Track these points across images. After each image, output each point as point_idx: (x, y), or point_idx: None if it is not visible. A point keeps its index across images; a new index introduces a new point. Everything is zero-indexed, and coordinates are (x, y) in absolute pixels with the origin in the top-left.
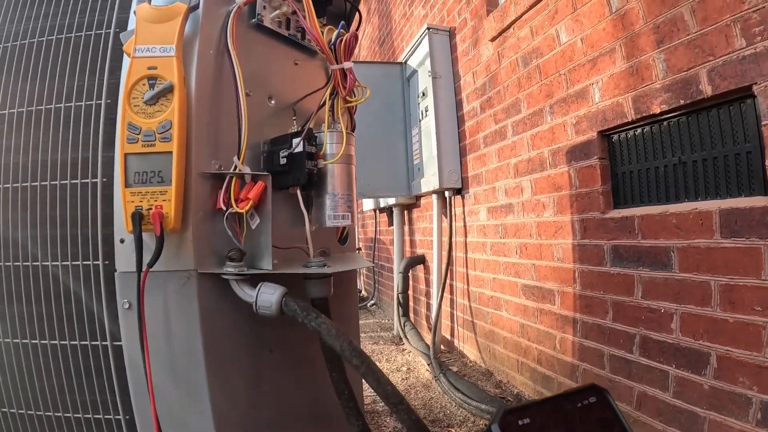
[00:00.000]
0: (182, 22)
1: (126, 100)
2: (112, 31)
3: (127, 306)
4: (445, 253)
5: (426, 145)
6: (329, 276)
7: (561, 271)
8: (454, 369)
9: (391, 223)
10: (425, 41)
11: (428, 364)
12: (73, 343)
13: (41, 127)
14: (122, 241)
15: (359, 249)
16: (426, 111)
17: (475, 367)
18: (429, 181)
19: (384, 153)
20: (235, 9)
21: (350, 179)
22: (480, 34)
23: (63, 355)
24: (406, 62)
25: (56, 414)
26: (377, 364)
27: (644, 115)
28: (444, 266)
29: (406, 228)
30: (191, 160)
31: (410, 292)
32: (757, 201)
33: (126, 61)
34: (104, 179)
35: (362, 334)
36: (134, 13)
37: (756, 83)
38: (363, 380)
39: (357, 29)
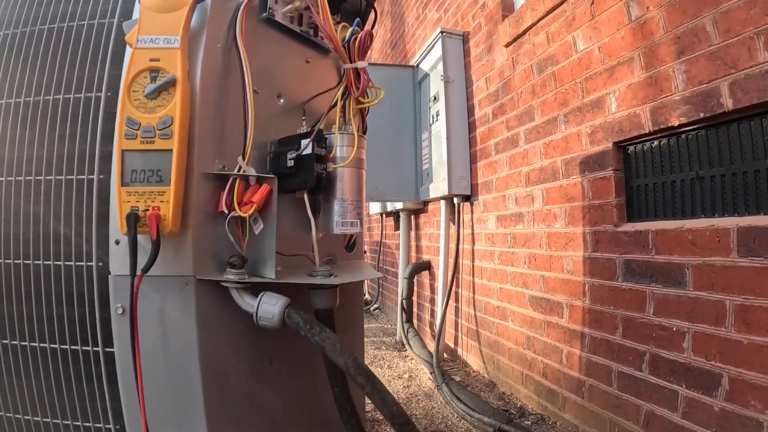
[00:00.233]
0: (188, 13)
1: (126, 92)
2: (115, 20)
3: (120, 311)
4: (451, 260)
5: (436, 150)
6: (335, 287)
7: (570, 283)
8: (457, 378)
9: (397, 228)
10: (438, 45)
11: (431, 373)
12: (63, 347)
13: (38, 119)
14: (117, 242)
15: (364, 251)
16: (437, 115)
17: (478, 378)
18: (438, 187)
19: (393, 156)
20: (246, 1)
21: (360, 184)
22: (494, 39)
23: (53, 358)
24: (418, 66)
25: (44, 419)
26: (379, 369)
27: (662, 127)
28: (450, 273)
29: (413, 233)
30: (193, 159)
31: (414, 298)
32: None
33: (129, 52)
34: (101, 176)
35: (365, 339)
36: (139, 1)
37: None
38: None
39: (372, 27)
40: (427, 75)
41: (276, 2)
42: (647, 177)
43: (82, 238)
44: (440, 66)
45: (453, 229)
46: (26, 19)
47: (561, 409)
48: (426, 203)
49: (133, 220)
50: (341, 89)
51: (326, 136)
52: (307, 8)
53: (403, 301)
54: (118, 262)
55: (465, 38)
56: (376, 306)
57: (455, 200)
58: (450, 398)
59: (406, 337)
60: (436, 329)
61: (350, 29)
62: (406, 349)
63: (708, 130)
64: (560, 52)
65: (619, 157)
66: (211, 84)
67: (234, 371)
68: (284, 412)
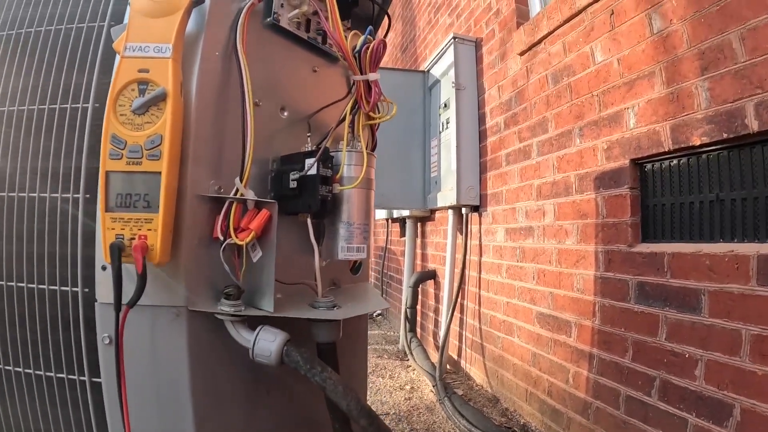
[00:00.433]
0: (183, 18)
1: (111, 107)
2: (105, 24)
3: (107, 341)
4: (458, 271)
5: (445, 158)
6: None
7: (580, 302)
8: (460, 392)
9: (403, 234)
10: (450, 51)
11: (433, 386)
12: (48, 374)
13: (21, 131)
14: (104, 268)
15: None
16: (447, 123)
17: (481, 392)
18: (446, 196)
19: (400, 163)
20: (248, 5)
21: (369, 206)
22: (508, 46)
23: (38, 384)
24: (428, 71)
25: None
26: (381, 379)
27: (682, 145)
28: (456, 285)
29: (419, 240)
30: (186, 179)
31: (418, 307)
32: None
33: (117, 60)
34: (87, 195)
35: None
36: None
37: None
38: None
39: (385, 35)
40: (437, 81)
41: (282, 6)
42: (664, 196)
43: (67, 259)
44: (452, 72)
45: (460, 240)
46: (5, 22)
47: (565, 430)
48: (433, 211)
49: (118, 251)
50: (350, 103)
51: (333, 154)
52: (315, 13)
53: (407, 310)
54: (105, 289)
55: (478, 45)
56: (378, 312)
57: (463, 210)
58: (452, 413)
59: (409, 346)
60: (440, 341)
61: (362, 37)
62: (408, 359)
63: (730, 151)
64: (577, 63)
65: (635, 175)
66: (208, 96)
67: (228, 403)
68: None
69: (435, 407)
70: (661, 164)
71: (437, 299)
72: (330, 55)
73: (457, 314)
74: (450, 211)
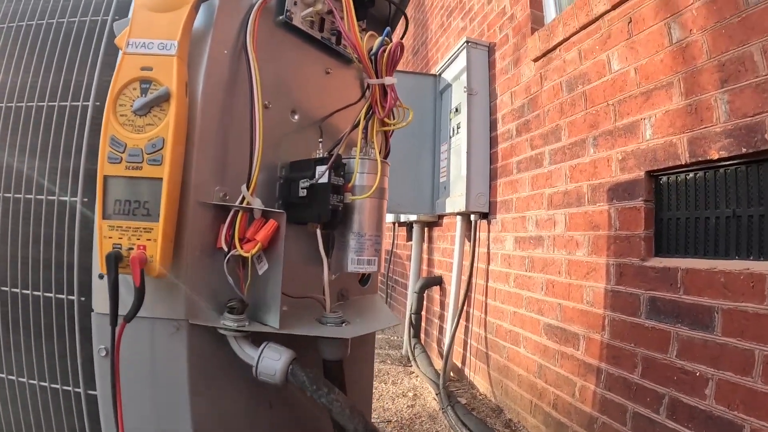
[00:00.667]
0: (190, 14)
1: (111, 106)
2: (110, 18)
3: (103, 353)
4: (464, 278)
5: (455, 164)
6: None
7: (589, 315)
8: (463, 401)
9: (409, 238)
10: (462, 55)
11: (436, 394)
12: (42, 384)
13: (18, 129)
14: (101, 276)
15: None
16: (458, 128)
17: (484, 401)
18: (455, 202)
19: (410, 167)
20: (260, 2)
21: (381, 216)
22: (522, 52)
23: (32, 394)
24: (440, 75)
25: None
26: (383, 385)
27: (699, 159)
28: (462, 292)
29: (425, 245)
30: (190, 185)
31: (423, 313)
32: None
33: (120, 56)
34: (85, 198)
35: None
36: None
37: None
38: None
39: (402, 37)
40: (449, 85)
41: (295, 4)
42: (679, 210)
43: (63, 265)
44: (464, 77)
45: (468, 247)
46: (6, 14)
47: None
48: (441, 216)
49: (114, 261)
50: (365, 108)
51: (345, 161)
52: (330, 12)
53: (412, 316)
54: (101, 299)
55: (491, 49)
56: None
57: (472, 217)
58: (455, 422)
59: (413, 352)
60: (444, 348)
61: (378, 39)
62: (411, 365)
63: (749, 166)
64: (593, 71)
65: (650, 187)
66: (215, 97)
67: (230, 418)
68: None
69: (438, 416)
70: (677, 177)
71: (443, 306)
72: (344, 56)
73: (462, 322)
74: (458, 218)
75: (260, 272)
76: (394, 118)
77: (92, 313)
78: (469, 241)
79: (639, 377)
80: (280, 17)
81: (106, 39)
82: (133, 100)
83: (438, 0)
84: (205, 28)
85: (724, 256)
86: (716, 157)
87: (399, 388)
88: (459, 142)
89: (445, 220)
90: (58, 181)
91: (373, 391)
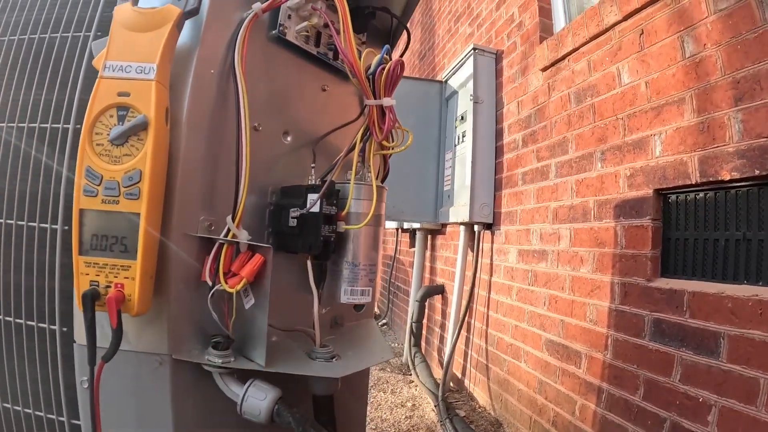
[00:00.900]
0: (171, 33)
1: (86, 135)
2: (92, 34)
3: (85, 385)
4: (467, 289)
5: (459, 173)
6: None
7: (592, 333)
8: (462, 414)
9: (412, 245)
10: (469, 62)
11: (435, 405)
12: (27, 411)
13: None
14: None
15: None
16: (463, 136)
17: (483, 414)
18: (458, 212)
19: (413, 174)
20: (250, 16)
21: (377, 244)
22: (530, 61)
23: (16, 419)
24: (446, 81)
25: None
26: (382, 394)
27: (710, 179)
28: (464, 302)
29: (428, 253)
30: (173, 215)
31: (425, 321)
32: None
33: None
34: (65, 227)
35: None
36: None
37: None
38: None
39: (402, 54)
40: (455, 92)
41: (289, 18)
42: (687, 231)
43: (44, 292)
44: (470, 84)
45: (471, 257)
46: None
47: None
48: (444, 224)
49: (91, 300)
50: (361, 130)
51: (339, 187)
52: (327, 26)
53: (413, 324)
54: (83, 331)
55: (498, 57)
56: (384, 321)
57: (476, 227)
58: None
59: (413, 361)
60: (445, 358)
61: (377, 57)
62: (411, 374)
63: (761, 188)
64: (602, 83)
65: (658, 206)
66: (201, 121)
67: None
68: None
69: (436, 428)
70: (686, 197)
71: (444, 315)
72: (342, 71)
73: (463, 333)
74: (462, 227)
75: (246, 307)
76: (392, 141)
77: (74, 345)
78: (472, 251)
79: (641, 399)
80: (273, 32)
81: (87, 57)
82: (110, 129)
83: (446, 5)
84: (191, 46)
85: (733, 281)
86: (728, 177)
87: (398, 398)
88: (464, 150)
89: (449, 228)
90: (39, 207)
91: (372, 400)
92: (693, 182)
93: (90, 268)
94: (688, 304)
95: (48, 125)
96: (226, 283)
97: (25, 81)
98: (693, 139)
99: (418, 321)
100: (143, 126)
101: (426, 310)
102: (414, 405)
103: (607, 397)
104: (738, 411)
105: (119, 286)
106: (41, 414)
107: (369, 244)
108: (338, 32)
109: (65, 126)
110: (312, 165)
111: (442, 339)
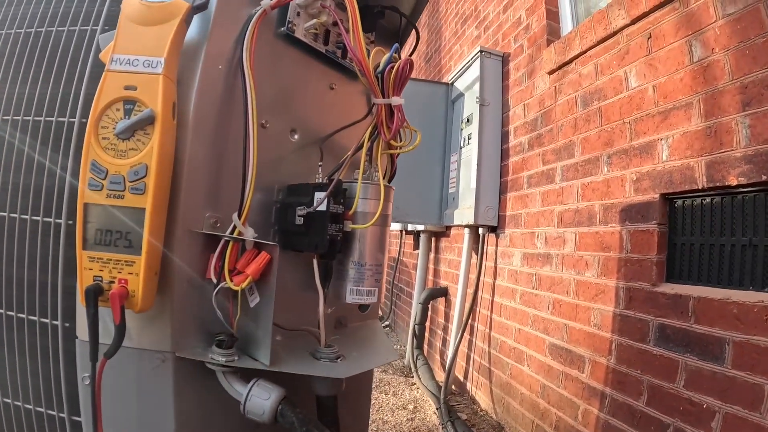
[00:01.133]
0: (179, 27)
1: (92, 129)
2: (99, 27)
3: (87, 381)
4: (470, 291)
5: (464, 175)
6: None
7: (596, 338)
8: (464, 417)
9: (416, 247)
10: (476, 64)
11: (437, 408)
12: (27, 406)
13: (4, 143)
14: None
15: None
16: (469, 139)
17: (485, 418)
18: (463, 214)
19: (418, 176)
20: (259, 12)
21: (383, 244)
22: (537, 64)
23: (16, 414)
24: (452, 83)
25: None
26: (384, 396)
27: (717, 184)
28: (468, 305)
29: (432, 255)
30: (178, 210)
31: (427, 324)
32: None
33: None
34: (69, 222)
35: None
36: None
37: None
38: None
39: (411, 53)
40: (461, 94)
41: (297, 15)
42: (693, 236)
43: (47, 287)
44: (476, 87)
45: (475, 260)
46: None
47: None
48: (448, 227)
49: (94, 296)
50: (369, 129)
51: (346, 186)
52: (335, 24)
53: (416, 326)
54: (86, 327)
55: (505, 60)
56: (387, 323)
57: (480, 230)
58: None
59: (415, 363)
60: (447, 361)
61: (386, 56)
62: (413, 376)
63: None
64: (609, 87)
65: (664, 211)
66: (208, 117)
67: None
68: None
69: (437, 431)
70: (692, 201)
71: (447, 318)
72: (350, 70)
73: (466, 335)
74: (466, 230)
75: (251, 305)
76: (400, 140)
77: (77, 340)
78: (477, 254)
79: (644, 405)
80: (282, 29)
81: (94, 51)
82: (116, 122)
83: (452, 7)
84: (199, 42)
85: (738, 286)
86: (735, 183)
87: (399, 400)
88: (469, 153)
89: (453, 231)
90: (43, 201)
91: (373, 401)
92: (700, 187)
93: (94, 263)
94: (693, 310)
95: (54, 119)
96: (232, 280)
97: (32, 74)
98: (700, 143)
99: (421, 323)
100: (150, 120)
101: (429, 313)
102: (416, 407)
103: (610, 402)
104: (742, 417)
105: (123, 281)
106: (41, 410)
107: (375, 244)
108: (347, 30)
109: (71, 120)
110: (320, 163)
111: (444, 341)
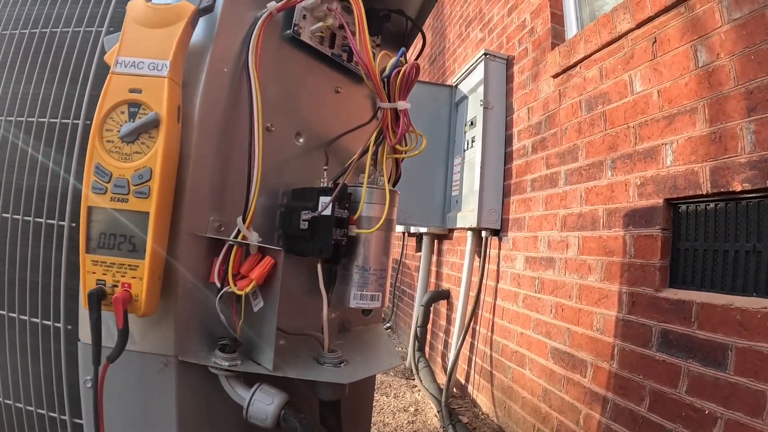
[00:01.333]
0: (185, 29)
1: (96, 131)
2: (104, 29)
3: (89, 384)
4: (473, 295)
5: (468, 178)
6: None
7: (598, 343)
8: (465, 420)
9: (419, 249)
10: (480, 67)
11: (438, 410)
12: (29, 408)
13: (8, 144)
14: None
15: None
16: (472, 141)
17: (486, 421)
18: (466, 217)
19: (422, 179)
20: (265, 15)
21: (387, 249)
22: (541, 67)
23: (18, 416)
24: (456, 86)
25: None
26: (385, 398)
27: (721, 190)
28: (470, 308)
29: (434, 258)
30: (182, 214)
31: (429, 326)
32: None
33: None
34: (73, 224)
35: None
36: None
37: None
38: None
39: (418, 57)
40: (465, 97)
41: (303, 18)
42: (697, 241)
43: (50, 290)
44: (480, 89)
45: (477, 263)
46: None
47: None
48: (451, 229)
49: (97, 300)
50: (375, 133)
51: (351, 190)
52: (342, 27)
53: (418, 329)
54: (88, 329)
55: (509, 63)
56: (388, 325)
57: (483, 233)
58: None
59: (417, 366)
60: (449, 364)
61: (392, 60)
62: (414, 378)
63: None
64: (614, 91)
65: (668, 216)
66: (213, 120)
67: None
68: None
69: None
70: (696, 207)
71: (449, 320)
72: (356, 73)
73: (468, 338)
74: (469, 233)
75: (255, 309)
76: (406, 145)
77: (79, 343)
78: (479, 257)
79: (646, 410)
80: (288, 32)
81: (99, 52)
82: (121, 125)
83: (457, 9)
84: (205, 44)
85: (742, 292)
86: (739, 188)
87: (400, 402)
88: (473, 156)
89: (456, 233)
90: (46, 202)
91: (375, 403)
92: (704, 192)
93: (97, 267)
94: (696, 316)
95: (58, 120)
96: (235, 285)
97: (36, 75)
98: (705, 149)
99: (423, 326)
100: (155, 123)
101: (431, 315)
102: (417, 410)
103: (612, 407)
104: (744, 424)
105: (126, 285)
106: (43, 412)
107: (380, 248)
108: (353, 34)
109: (75, 122)
110: (324, 167)
111: (446, 344)
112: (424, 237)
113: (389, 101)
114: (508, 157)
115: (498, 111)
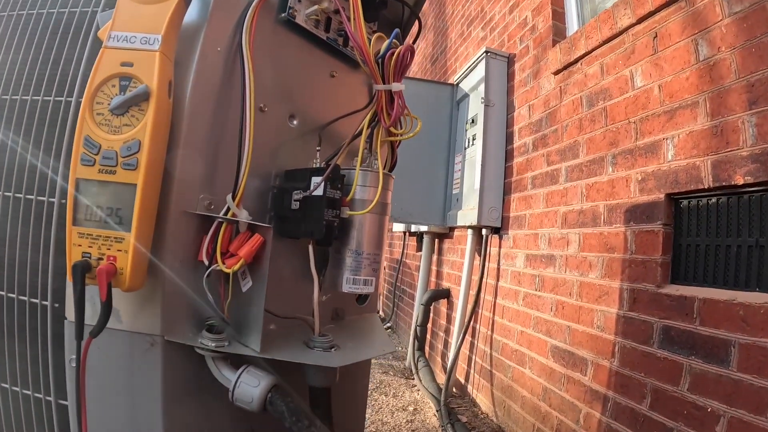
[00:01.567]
0: (178, 6)
1: (87, 104)
2: (99, 9)
3: (74, 364)
4: (473, 293)
5: (468, 176)
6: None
7: (599, 340)
8: (464, 419)
9: (419, 249)
10: (481, 65)
11: (437, 410)
12: (14, 389)
13: (1, 123)
14: None
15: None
16: (473, 139)
17: (485, 421)
18: (466, 215)
19: (422, 177)
20: None
21: (381, 233)
22: (542, 65)
23: (3, 397)
24: (457, 84)
25: None
26: (384, 397)
27: (723, 184)
28: (470, 307)
29: (435, 257)
30: (172, 192)
31: (429, 325)
32: None
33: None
34: (63, 201)
35: (372, 361)
36: None
37: None
38: None
39: (414, 41)
40: (466, 95)
41: (299, 1)
42: (699, 237)
43: (38, 268)
44: (481, 87)
45: (477, 261)
46: None
47: None
48: (452, 228)
49: (81, 272)
50: (369, 114)
51: (344, 172)
52: (337, 12)
53: (417, 328)
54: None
55: (510, 60)
56: (388, 325)
57: (483, 231)
58: None
59: (416, 365)
60: (448, 363)
61: (387, 41)
62: (413, 378)
63: None
64: (614, 87)
65: (670, 211)
66: (205, 98)
67: None
68: None
69: None
70: (698, 202)
71: (449, 319)
72: (351, 59)
73: (468, 338)
74: (469, 231)
75: (243, 289)
76: (401, 128)
77: (65, 321)
78: (479, 255)
79: (647, 409)
80: (283, 15)
81: (94, 31)
82: (111, 98)
83: (458, 9)
84: (198, 24)
85: (745, 288)
86: (741, 182)
87: (399, 402)
88: (474, 154)
89: (456, 232)
90: (37, 179)
91: (374, 402)
92: (705, 187)
93: (83, 239)
94: (699, 311)
95: (51, 98)
96: (224, 263)
97: (31, 55)
98: (706, 143)
99: (423, 325)
100: (145, 96)
101: (431, 314)
102: (415, 409)
103: (612, 405)
104: (747, 422)
105: (112, 258)
106: (28, 392)
107: (374, 232)
108: (349, 19)
109: (68, 99)
110: (317, 148)
111: (446, 343)
112: (424, 236)
113: (384, 83)
114: (508, 155)
115: (499, 109)
